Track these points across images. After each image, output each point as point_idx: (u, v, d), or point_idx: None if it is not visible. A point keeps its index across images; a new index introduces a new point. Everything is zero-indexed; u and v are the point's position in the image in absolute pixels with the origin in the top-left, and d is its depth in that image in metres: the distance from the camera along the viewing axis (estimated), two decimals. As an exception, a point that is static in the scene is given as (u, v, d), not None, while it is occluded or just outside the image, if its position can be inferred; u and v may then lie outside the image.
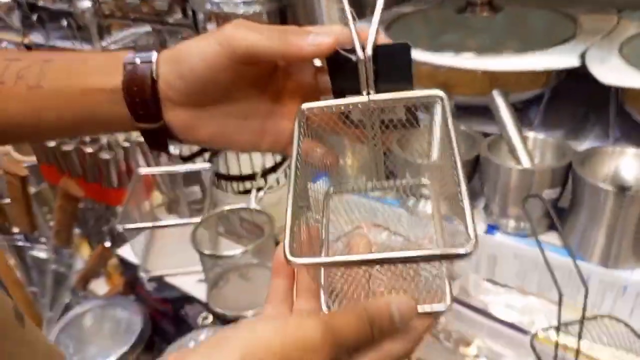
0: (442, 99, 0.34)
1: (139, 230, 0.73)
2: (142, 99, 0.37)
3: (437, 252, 0.28)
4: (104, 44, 1.16)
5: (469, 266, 0.81)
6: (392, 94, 0.34)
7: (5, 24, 1.53)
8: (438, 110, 0.35)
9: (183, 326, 0.80)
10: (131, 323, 0.81)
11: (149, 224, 0.75)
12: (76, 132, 0.50)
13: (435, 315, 0.33)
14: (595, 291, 0.71)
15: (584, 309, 0.55)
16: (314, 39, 0.34)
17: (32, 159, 1.08)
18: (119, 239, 0.92)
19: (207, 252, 0.64)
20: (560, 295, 0.53)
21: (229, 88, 0.38)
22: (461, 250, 0.26)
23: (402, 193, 0.39)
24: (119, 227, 0.70)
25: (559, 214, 0.78)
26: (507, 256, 0.76)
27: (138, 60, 0.37)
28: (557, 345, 0.57)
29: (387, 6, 1.05)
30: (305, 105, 0.36)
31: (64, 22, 1.32)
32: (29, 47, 1.45)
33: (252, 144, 0.40)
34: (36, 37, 1.51)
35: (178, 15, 1.21)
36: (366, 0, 1.05)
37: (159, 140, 0.39)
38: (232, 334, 0.29)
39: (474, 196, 0.84)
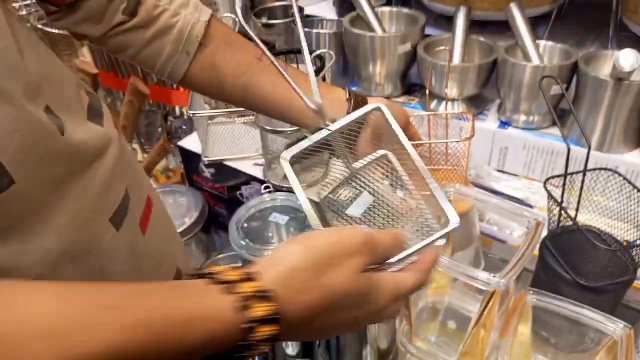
0: (379, 109, 0.45)
1: (203, 117, 0.83)
2: None
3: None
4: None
5: (482, 159, 0.93)
6: (343, 120, 0.44)
7: None
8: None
9: (236, 207, 0.92)
10: (190, 205, 0.92)
11: (215, 111, 0.84)
12: None
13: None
14: (591, 171, 0.84)
15: (587, 159, 0.68)
16: None
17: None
18: (174, 136, 1.03)
19: (268, 127, 0.75)
20: (568, 148, 0.65)
21: None
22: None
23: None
24: (190, 113, 0.80)
25: (561, 114, 0.91)
26: (517, 147, 0.89)
27: None
28: (563, 190, 0.70)
29: None
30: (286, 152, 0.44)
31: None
32: None
33: None
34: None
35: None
36: None
37: None
38: (295, 238, 0.38)
39: (489, 100, 0.96)
